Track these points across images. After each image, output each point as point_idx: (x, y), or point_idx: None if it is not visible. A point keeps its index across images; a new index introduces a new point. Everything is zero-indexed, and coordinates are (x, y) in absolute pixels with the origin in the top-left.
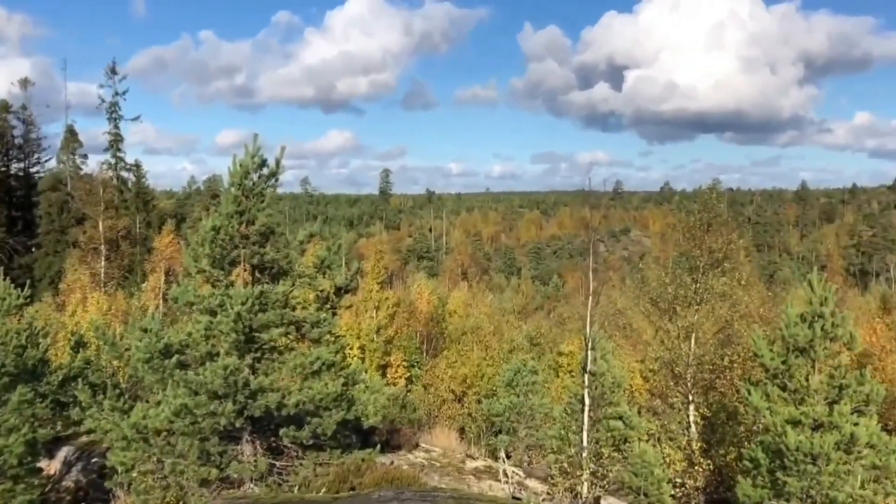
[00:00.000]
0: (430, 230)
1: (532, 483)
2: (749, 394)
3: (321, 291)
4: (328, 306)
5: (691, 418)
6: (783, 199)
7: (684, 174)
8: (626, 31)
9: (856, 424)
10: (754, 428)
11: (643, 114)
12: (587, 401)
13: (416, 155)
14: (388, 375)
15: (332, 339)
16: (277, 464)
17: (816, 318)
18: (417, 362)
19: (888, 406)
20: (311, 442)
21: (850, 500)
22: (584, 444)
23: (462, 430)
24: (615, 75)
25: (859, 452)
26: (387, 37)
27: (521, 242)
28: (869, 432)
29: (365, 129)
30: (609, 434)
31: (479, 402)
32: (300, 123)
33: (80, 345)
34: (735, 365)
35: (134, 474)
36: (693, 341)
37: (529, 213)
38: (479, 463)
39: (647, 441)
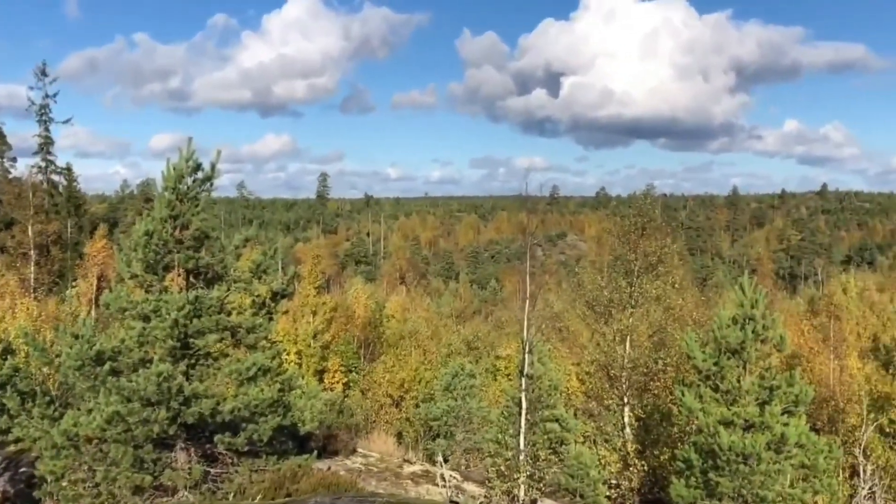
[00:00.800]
0: (368, 234)
1: (469, 487)
2: (682, 395)
3: (257, 296)
4: (264, 311)
5: (626, 420)
6: (715, 204)
7: (619, 179)
8: (563, 39)
9: (786, 425)
10: (688, 429)
11: (579, 120)
12: (524, 404)
13: (354, 159)
14: (325, 381)
15: (268, 344)
16: (212, 471)
17: (747, 321)
18: (355, 367)
19: (816, 406)
20: (246, 448)
21: (780, 498)
22: (521, 446)
23: (400, 435)
24: (552, 82)
25: (789, 452)
26: (325, 40)
27: (460, 247)
28: (798, 432)
29: (303, 133)
30: (546, 436)
31: (416, 406)
32: (237, 127)
33: (8, 352)
34: (669, 367)
35: (64, 483)
36: (628, 344)
37: (468, 217)
38: (417, 467)
39: (583, 443)
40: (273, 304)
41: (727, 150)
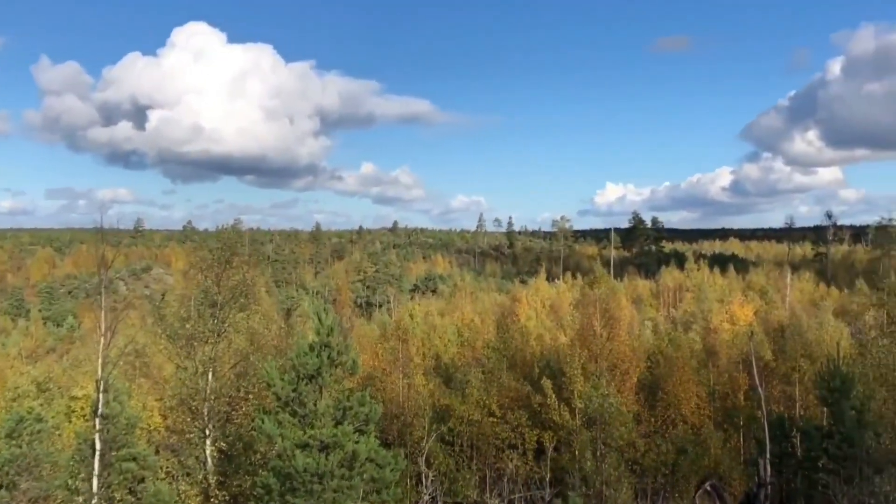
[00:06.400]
0: None
1: None
2: (262, 422)
3: None
4: None
5: (208, 452)
6: (300, 238)
7: (208, 213)
8: (150, 73)
9: (357, 442)
10: (269, 455)
11: (167, 154)
12: (98, 445)
13: None
14: None
15: None
16: None
17: (323, 348)
18: None
19: (387, 422)
20: None
21: None
22: (95, 489)
23: None
24: (139, 115)
25: (361, 467)
26: None
27: (31, 282)
28: (368, 448)
29: None
30: (122, 477)
31: None
32: None
33: None
34: (251, 396)
35: None
36: (211, 375)
37: (42, 250)
38: None
39: (164, 479)
40: None
41: (311, 189)
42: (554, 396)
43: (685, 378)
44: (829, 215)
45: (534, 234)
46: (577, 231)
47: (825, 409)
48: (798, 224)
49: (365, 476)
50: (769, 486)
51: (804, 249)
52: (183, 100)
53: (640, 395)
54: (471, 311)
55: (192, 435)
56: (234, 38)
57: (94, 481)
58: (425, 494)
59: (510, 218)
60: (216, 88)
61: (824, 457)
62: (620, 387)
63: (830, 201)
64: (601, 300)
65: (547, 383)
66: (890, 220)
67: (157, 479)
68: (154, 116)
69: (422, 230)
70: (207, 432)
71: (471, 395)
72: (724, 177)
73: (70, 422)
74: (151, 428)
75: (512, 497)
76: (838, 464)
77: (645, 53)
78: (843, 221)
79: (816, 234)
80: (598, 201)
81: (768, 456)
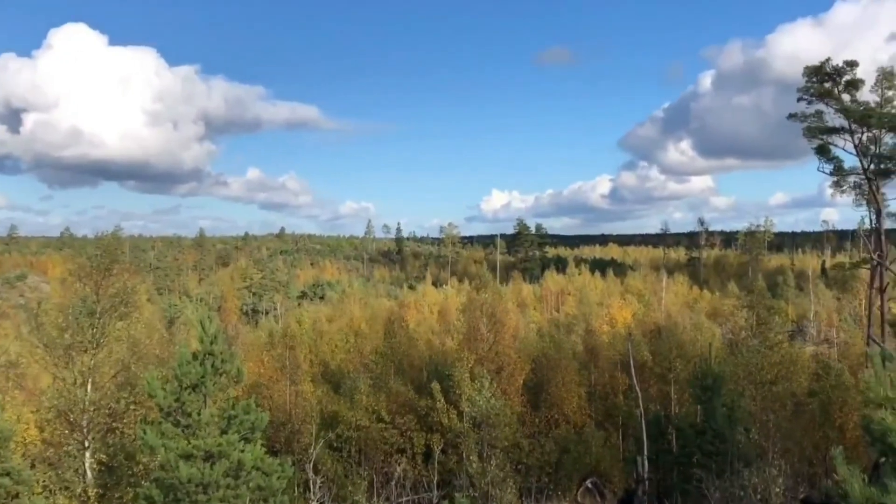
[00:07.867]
0: None
1: None
2: (144, 433)
3: None
4: None
5: (87, 464)
6: (183, 245)
7: (87, 220)
8: (24, 75)
9: (242, 451)
10: (152, 466)
11: (43, 158)
12: None
13: None
14: None
15: None
16: None
17: (207, 356)
18: None
19: (274, 430)
20: None
21: None
22: None
23: None
24: (12, 118)
25: (246, 476)
26: None
27: None
28: (254, 457)
29: None
30: None
31: None
32: None
33: None
34: (133, 406)
35: None
36: (90, 386)
37: None
38: None
39: (41, 493)
40: None
41: (195, 195)
42: (443, 399)
43: (567, 379)
44: (701, 221)
45: (422, 240)
46: (465, 237)
47: (699, 406)
48: (672, 230)
49: (251, 485)
50: (647, 482)
51: (678, 254)
52: (60, 103)
53: (525, 396)
54: (359, 317)
55: (70, 447)
56: (116, 40)
57: None
58: (313, 501)
59: (399, 224)
60: (96, 91)
61: (698, 453)
62: (506, 389)
63: (703, 208)
64: (487, 304)
65: (436, 386)
66: (758, 226)
67: (34, 493)
68: (29, 119)
69: (309, 236)
70: (87, 444)
71: (359, 401)
72: (603, 184)
73: None
74: (27, 441)
75: (400, 500)
76: (711, 459)
77: (529, 64)
78: (715, 227)
79: (690, 239)
80: (484, 208)
81: (646, 453)
